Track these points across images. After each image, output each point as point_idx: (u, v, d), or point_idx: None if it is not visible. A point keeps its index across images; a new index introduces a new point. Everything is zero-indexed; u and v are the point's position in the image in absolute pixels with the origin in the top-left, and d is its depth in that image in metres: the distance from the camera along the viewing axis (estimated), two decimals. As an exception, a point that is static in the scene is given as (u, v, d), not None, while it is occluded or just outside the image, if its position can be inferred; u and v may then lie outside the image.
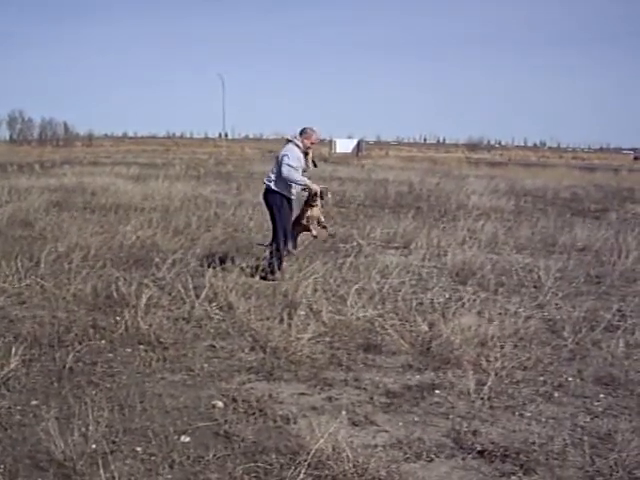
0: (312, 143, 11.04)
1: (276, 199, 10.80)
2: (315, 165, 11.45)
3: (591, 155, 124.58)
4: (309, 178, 11.00)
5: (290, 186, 10.79)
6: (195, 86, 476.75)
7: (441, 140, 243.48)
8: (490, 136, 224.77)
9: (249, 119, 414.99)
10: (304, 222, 11.22)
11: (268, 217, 11.15)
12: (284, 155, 10.64)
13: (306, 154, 10.96)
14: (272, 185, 10.79)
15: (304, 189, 11.18)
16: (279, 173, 10.64)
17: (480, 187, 27.33)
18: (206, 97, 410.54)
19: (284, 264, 10.79)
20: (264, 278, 10.40)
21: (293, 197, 11.00)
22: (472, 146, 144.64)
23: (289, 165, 10.54)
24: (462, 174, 38.82)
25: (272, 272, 10.50)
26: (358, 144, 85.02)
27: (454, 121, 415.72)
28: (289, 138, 11.02)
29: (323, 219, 11.42)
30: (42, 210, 17.04)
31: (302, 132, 10.99)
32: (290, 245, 11.18)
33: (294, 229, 11.34)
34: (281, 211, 10.81)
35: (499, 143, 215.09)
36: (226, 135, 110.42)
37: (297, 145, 10.84)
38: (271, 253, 10.74)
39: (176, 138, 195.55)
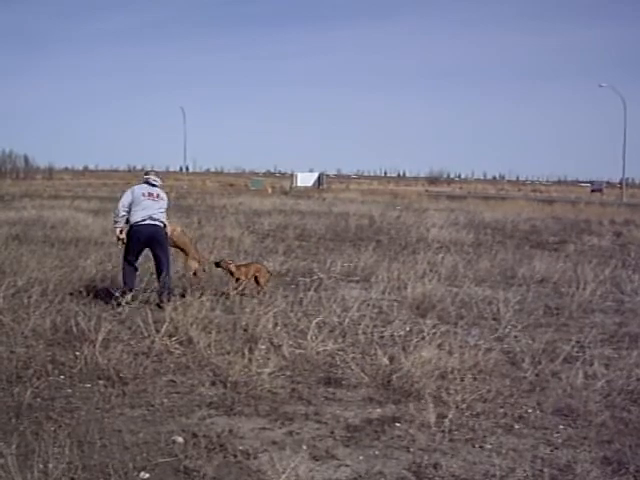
0: None
1: (165, 236, 11.69)
2: None
3: (549, 188, 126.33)
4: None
5: None
6: (156, 119, 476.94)
7: (402, 173, 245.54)
8: (450, 170, 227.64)
9: (210, 152, 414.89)
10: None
11: (150, 253, 11.80)
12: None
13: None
14: (164, 223, 11.67)
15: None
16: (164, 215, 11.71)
17: (440, 220, 27.56)
18: (167, 130, 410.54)
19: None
20: (160, 306, 10.60)
21: None
22: (432, 179, 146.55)
23: None
24: (422, 207, 39.13)
25: (168, 300, 10.56)
26: (319, 177, 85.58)
27: (415, 155, 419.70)
28: (157, 183, 11.99)
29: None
30: (0, 244, 16.83)
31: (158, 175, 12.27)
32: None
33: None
34: (168, 246, 11.82)
35: (459, 176, 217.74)
36: (187, 168, 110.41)
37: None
38: (164, 284, 11.12)
39: (137, 171, 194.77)
